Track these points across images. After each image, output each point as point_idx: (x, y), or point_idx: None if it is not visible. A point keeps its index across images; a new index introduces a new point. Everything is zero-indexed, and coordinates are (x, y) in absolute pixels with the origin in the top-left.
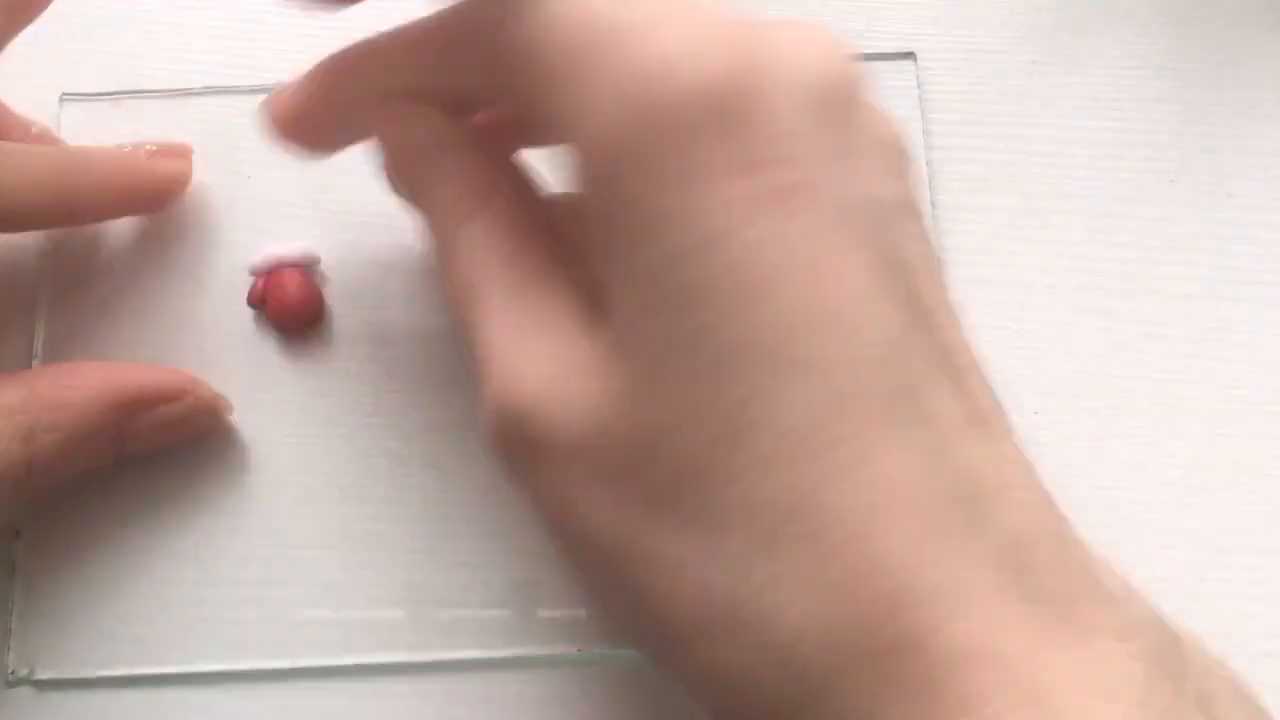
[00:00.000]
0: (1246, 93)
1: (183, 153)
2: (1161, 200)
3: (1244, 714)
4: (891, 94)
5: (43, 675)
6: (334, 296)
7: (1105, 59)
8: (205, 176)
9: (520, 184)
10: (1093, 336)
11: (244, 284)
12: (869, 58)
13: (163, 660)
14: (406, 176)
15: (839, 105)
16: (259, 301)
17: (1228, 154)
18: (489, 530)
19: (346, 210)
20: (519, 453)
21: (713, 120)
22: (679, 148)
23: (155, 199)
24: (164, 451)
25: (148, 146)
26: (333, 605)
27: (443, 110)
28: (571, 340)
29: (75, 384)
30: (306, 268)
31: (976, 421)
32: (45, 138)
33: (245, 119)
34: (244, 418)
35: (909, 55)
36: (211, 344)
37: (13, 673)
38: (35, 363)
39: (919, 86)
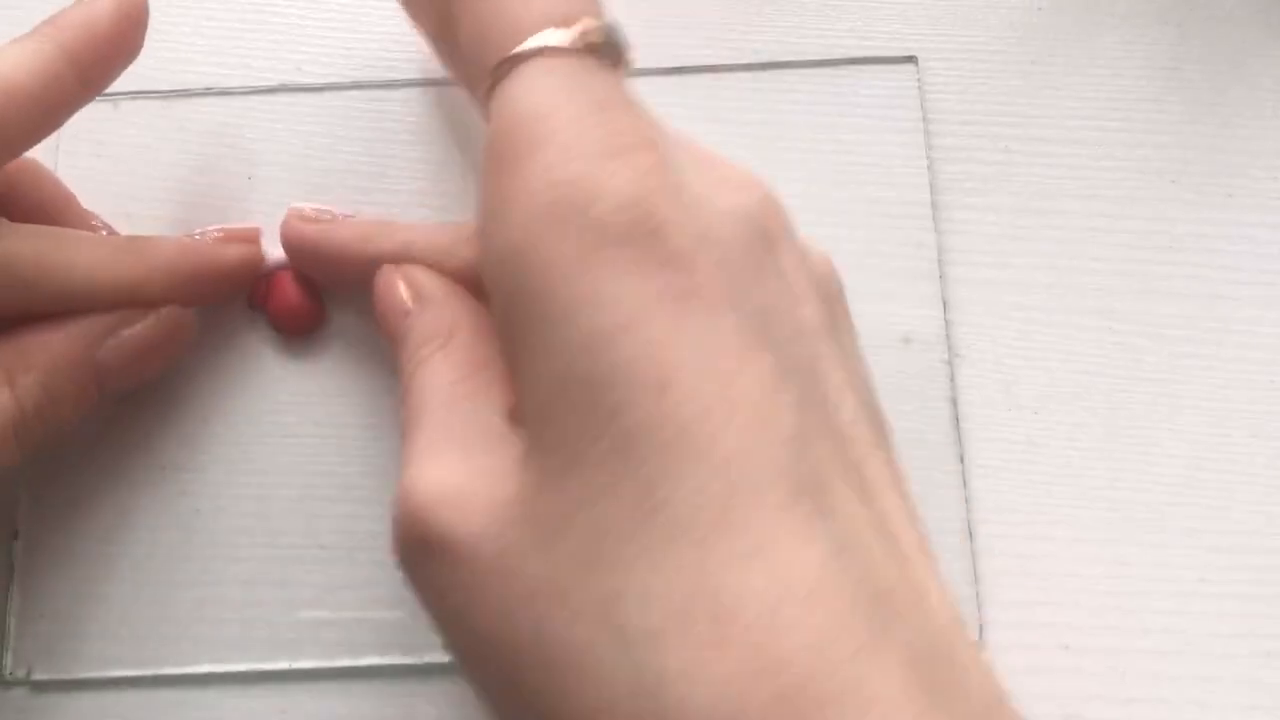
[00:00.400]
0: (1246, 93)
1: (251, 237)
2: (1161, 200)
3: None
4: (892, 96)
5: (40, 676)
6: (334, 297)
7: (1105, 59)
8: (205, 178)
9: (487, 320)
10: (1093, 336)
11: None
12: (870, 61)
13: (161, 661)
14: (386, 329)
15: (755, 234)
16: (260, 302)
17: (1228, 154)
18: None
19: (346, 210)
20: (416, 554)
21: (622, 225)
22: (586, 245)
23: (223, 286)
24: (164, 452)
25: (214, 231)
26: (332, 605)
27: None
28: (487, 449)
29: (41, 329)
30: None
31: (883, 532)
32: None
33: (245, 120)
34: (244, 418)
35: (910, 59)
36: (212, 344)
37: (10, 673)
38: None
39: (920, 88)
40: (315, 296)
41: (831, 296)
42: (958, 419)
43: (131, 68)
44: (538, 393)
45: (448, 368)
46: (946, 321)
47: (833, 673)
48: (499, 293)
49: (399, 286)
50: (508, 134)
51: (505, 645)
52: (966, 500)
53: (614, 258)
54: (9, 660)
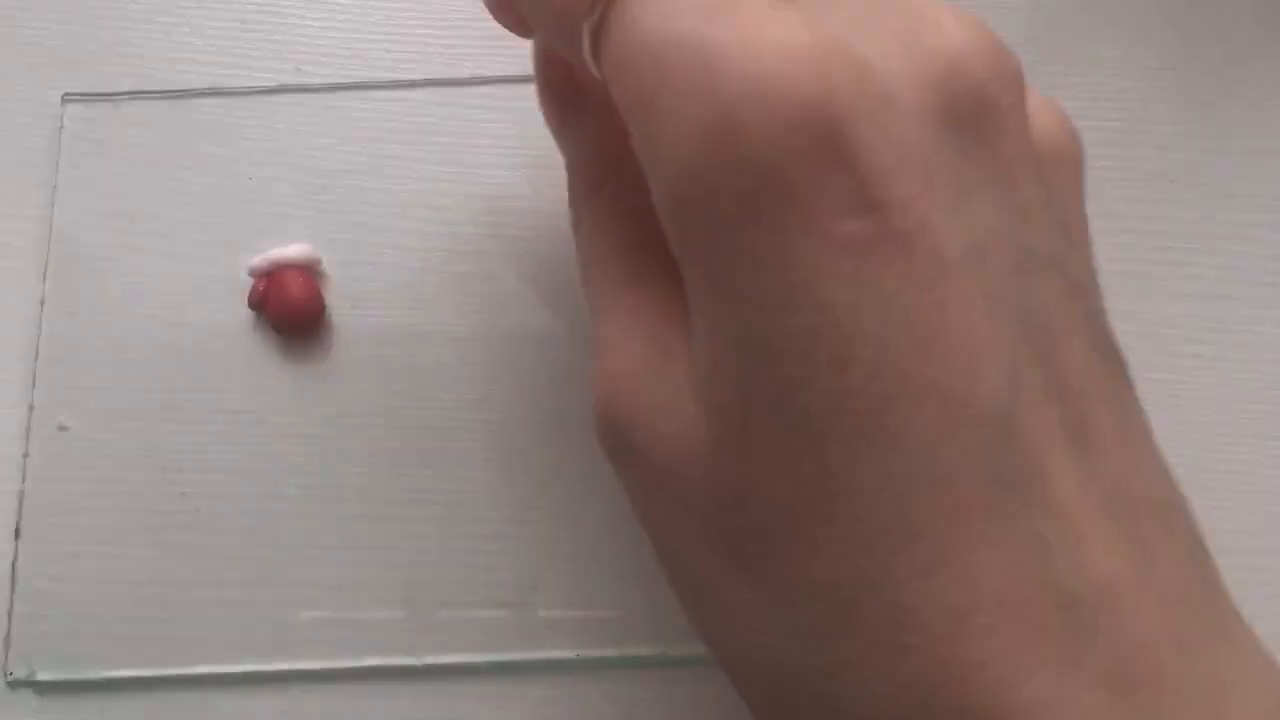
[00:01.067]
0: (1246, 93)
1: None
2: (1161, 200)
3: None
4: None
5: (43, 677)
6: (334, 297)
7: (1105, 59)
8: (205, 178)
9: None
10: None
11: (244, 285)
12: None
13: (162, 662)
14: (557, 104)
15: (969, 121)
16: (259, 303)
17: (1228, 154)
18: (489, 530)
19: (346, 210)
20: (617, 454)
21: (803, 154)
22: (761, 184)
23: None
24: (165, 452)
25: None
26: (333, 605)
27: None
28: (674, 353)
29: None
30: (306, 269)
31: (1108, 509)
32: None
33: (245, 119)
34: (243, 418)
35: None
36: (211, 345)
37: (11, 674)
38: (37, 363)
39: None
40: (315, 296)
41: (1066, 180)
42: None
43: (133, 67)
44: (720, 335)
45: (624, 217)
46: None
47: (1021, 686)
48: (673, 227)
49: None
50: (664, 47)
51: (690, 579)
52: None
53: (794, 199)
54: (11, 661)
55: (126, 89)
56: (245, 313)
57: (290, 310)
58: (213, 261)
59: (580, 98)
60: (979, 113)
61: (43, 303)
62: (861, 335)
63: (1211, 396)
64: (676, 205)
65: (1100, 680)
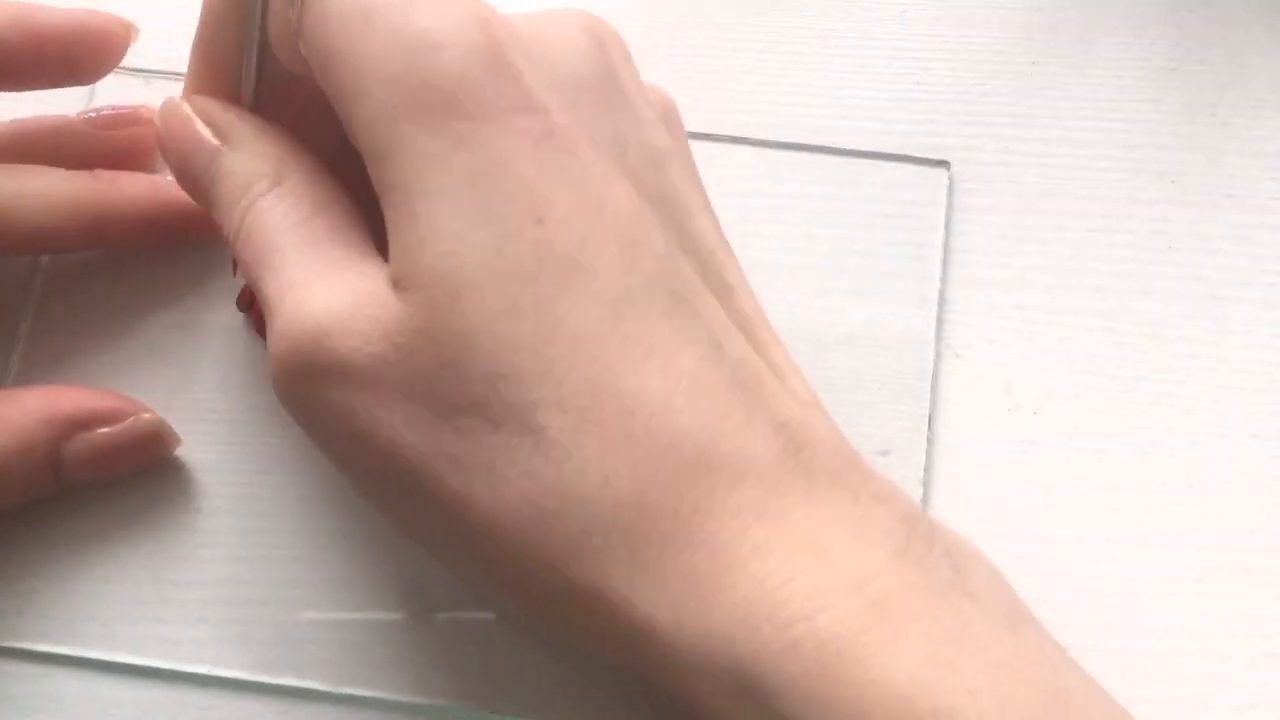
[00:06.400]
0: (1246, 93)
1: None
2: (1161, 200)
3: (984, 571)
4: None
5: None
6: None
7: (1105, 59)
8: None
9: (313, 163)
10: (1093, 336)
11: (238, 283)
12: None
13: (164, 660)
14: (185, 171)
15: (599, 67)
16: (248, 305)
17: (1228, 154)
18: None
19: None
20: (313, 381)
21: (483, 69)
22: (451, 97)
23: (186, 230)
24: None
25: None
26: (333, 605)
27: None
28: (366, 276)
29: (11, 402)
30: None
31: (746, 329)
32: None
33: None
34: (244, 418)
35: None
36: (212, 344)
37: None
38: (17, 355)
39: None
40: None
41: (674, 123)
42: (951, 419)
43: (170, 47)
44: (430, 222)
45: (287, 207)
46: (946, 321)
47: (719, 443)
48: (372, 159)
49: (195, 123)
50: (345, 13)
51: (415, 459)
52: (965, 499)
53: (473, 107)
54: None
55: (161, 69)
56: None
57: None
58: (211, 260)
59: (239, 119)
60: (610, 52)
61: (33, 295)
62: (550, 197)
63: (1211, 396)
64: (387, 118)
65: (770, 439)
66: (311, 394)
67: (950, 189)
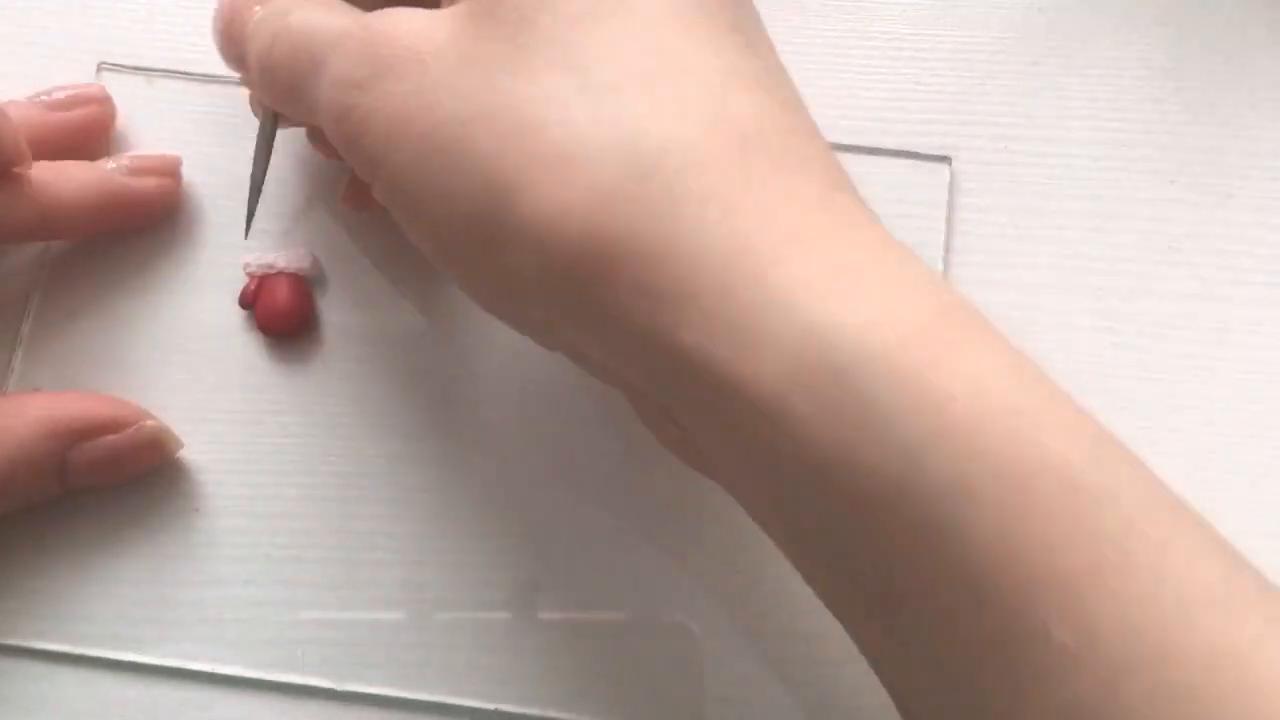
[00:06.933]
0: (1246, 93)
1: (168, 169)
2: (1161, 200)
3: (982, 321)
4: (893, 99)
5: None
6: (328, 298)
7: (1105, 59)
8: (218, 165)
9: None
10: (1093, 336)
11: (238, 283)
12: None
13: (165, 659)
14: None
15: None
16: (250, 303)
17: (1228, 154)
18: (488, 530)
19: (344, 211)
20: (372, 75)
21: None
22: None
23: (132, 218)
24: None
25: (127, 161)
26: (333, 605)
27: None
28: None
29: (16, 412)
30: (299, 274)
31: (777, 75)
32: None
33: None
34: (243, 418)
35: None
36: (212, 344)
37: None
38: (19, 350)
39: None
40: (303, 304)
41: None
42: None
43: (172, 47)
44: None
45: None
46: None
47: (774, 122)
48: None
49: None
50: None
51: (471, 120)
52: None
53: None
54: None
55: (164, 67)
56: (239, 311)
57: (278, 316)
58: (210, 259)
59: None
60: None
61: (37, 287)
62: None
63: (1211, 396)
64: None
65: (745, 151)
66: (366, 88)
67: (951, 186)
